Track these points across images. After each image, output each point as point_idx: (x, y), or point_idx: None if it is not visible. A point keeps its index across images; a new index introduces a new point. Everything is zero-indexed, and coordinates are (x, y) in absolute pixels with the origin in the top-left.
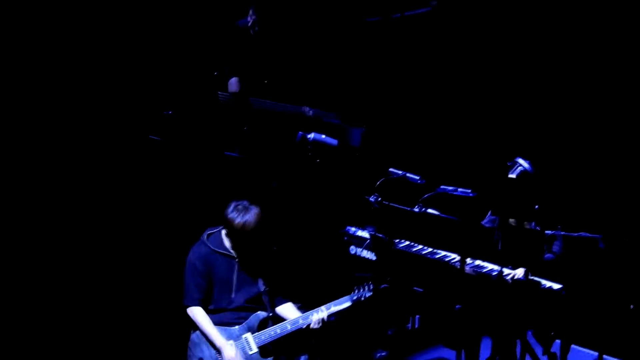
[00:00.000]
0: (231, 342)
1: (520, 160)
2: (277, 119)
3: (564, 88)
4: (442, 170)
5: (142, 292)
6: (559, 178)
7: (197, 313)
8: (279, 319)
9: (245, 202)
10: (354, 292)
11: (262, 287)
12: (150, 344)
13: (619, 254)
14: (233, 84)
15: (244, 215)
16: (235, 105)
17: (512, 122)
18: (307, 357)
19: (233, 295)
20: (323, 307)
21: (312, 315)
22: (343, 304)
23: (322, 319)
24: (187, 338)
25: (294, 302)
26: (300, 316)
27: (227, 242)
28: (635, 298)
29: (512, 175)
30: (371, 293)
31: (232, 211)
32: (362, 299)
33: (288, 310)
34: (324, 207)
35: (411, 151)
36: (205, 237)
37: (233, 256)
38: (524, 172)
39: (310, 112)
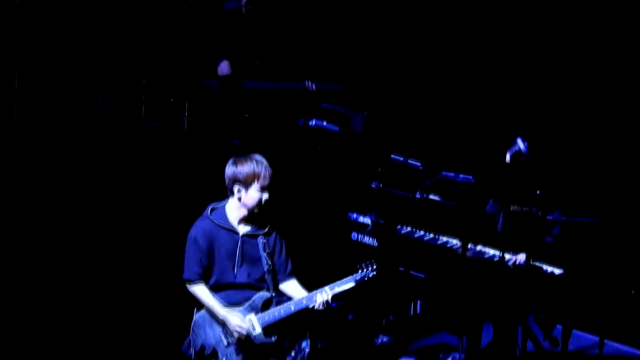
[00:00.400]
0: (235, 312)
1: (519, 141)
2: (276, 102)
3: (565, 72)
4: (444, 157)
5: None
6: (560, 162)
7: (197, 288)
8: (283, 297)
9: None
10: (357, 273)
11: (265, 266)
12: (153, 331)
13: (620, 239)
14: (224, 67)
15: (250, 161)
16: (226, 89)
17: (513, 106)
18: (308, 342)
19: (236, 271)
20: (327, 288)
21: (316, 296)
22: (347, 284)
23: (327, 301)
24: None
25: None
26: (304, 297)
27: (230, 217)
28: (636, 283)
29: (507, 157)
30: (375, 273)
31: (235, 162)
32: (366, 279)
33: (293, 288)
34: (326, 194)
35: (413, 137)
36: (209, 211)
37: (236, 231)
38: (517, 153)
39: (313, 86)
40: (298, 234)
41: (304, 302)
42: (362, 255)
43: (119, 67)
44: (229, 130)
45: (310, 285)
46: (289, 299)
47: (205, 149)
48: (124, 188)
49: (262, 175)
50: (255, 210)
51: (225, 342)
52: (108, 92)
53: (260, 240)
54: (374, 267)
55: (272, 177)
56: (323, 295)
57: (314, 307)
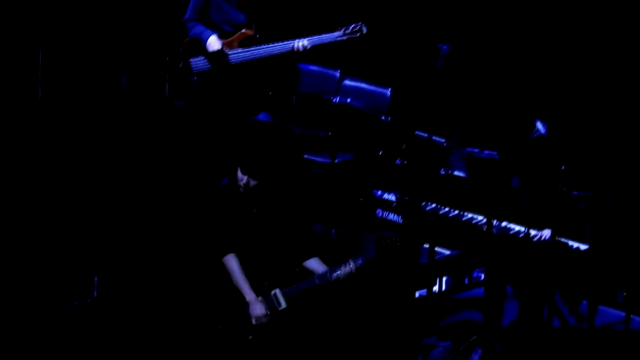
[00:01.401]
0: (260, 297)
1: (538, 124)
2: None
3: (587, 46)
4: (468, 133)
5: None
6: (584, 138)
7: (229, 260)
8: (306, 272)
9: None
10: (380, 245)
11: (286, 240)
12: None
13: None
14: (213, 42)
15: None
16: (217, 65)
17: (536, 80)
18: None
19: (256, 244)
20: (351, 261)
21: (341, 268)
22: (370, 255)
23: (351, 271)
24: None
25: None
26: (328, 269)
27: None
28: None
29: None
30: (398, 244)
31: None
32: (389, 250)
33: (315, 264)
34: (350, 171)
35: (436, 114)
36: (221, 186)
37: (251, 205)
38: (539, 137)
39: (301, 43)
40: (322, 211)
41: (328, 274)
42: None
43: (142, 45)
44: (254, 107)
45: (334, 263)
46: (311, 274)
47: (229, 127)
48: (147, 166)
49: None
50: (242, 191)
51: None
52: (132, 70)
53: (280, 215)
54: (397, 239)
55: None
56: (347, 267)
57: (338, 279)
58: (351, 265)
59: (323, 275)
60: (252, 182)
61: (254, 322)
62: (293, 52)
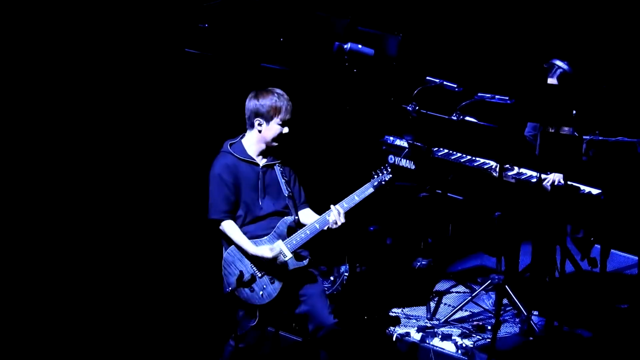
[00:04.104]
0: (263, 245)
1: (558, 62)
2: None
3: None
4: (480, 78)
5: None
6: (596, 81)
7: (227, 226)
8: (301, 225)
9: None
10: (373, 179)
11: (286, 191)
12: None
13: None
14: None
15: (271, 95)
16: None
17: (547, 24)
18: (347, 266)
19: (261, 202)
20: (343, 202)
21: (335, 208)
22: (366, 191)
23: (340, 213)
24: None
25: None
26: (326, 213)
27: (249, 150)
28: None
29: (553, 80)
30: (390, 176)
31: (256, 95)
32: (383, 182)
33: (307, 216)
34: (362, 117)
35: (448, 59)
36: (228, 146)
37: (256, 163)
38: (563, 74)
39: None
40: (334, 158)
41: (327, 217)
42: (399, 177)
43: None
44: (264, 54)
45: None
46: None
47: (240, 74)
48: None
49: (284, 108)
50: (274, 144)
51: (259, 274)
52: (145, 17)
53: (278, 168)
54: (389, 169)
55: (293, 112)
56: (335, 212)
57: (335, 223)
58: (339, 208)
59: (323, 220)
60: (286, 131)
61: (279, 259)
62: None
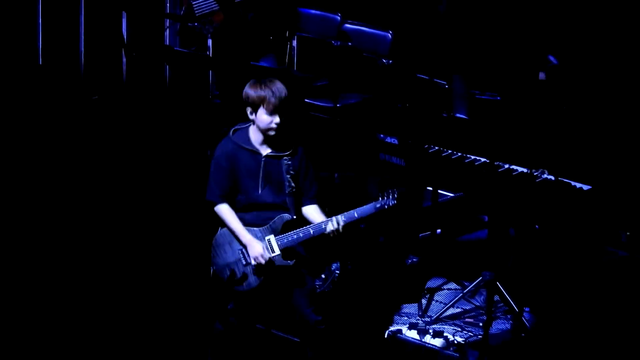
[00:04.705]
0: (255, 237)
1: (550, 58)
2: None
3: None
4: (470, 75)
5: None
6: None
7: (221, 209)
8: (304, 221)
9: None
10: (378, 200)
11: (287, 188)
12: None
13: None
14: None
15: (258, 84)
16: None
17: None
18: (338, 264)
19: (260, 192)
20: (342, 215)
21: (330, 222)
22: (367, 212)
23: (337, 230)
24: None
25: (319, 206)
26: (323, 221)
27: (252, 138)
28: None
29: (542, 75)
30: (395, 202)
31: (249, 85)
32: (386, 207)
33: (313, 212)
34: (353, 115)
35: (438, 56)
36: (231, 132)
37: (258, 152)
38: (552, 67)
39: None
40: (325, 156)
41: (322, 225)
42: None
43: None
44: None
45: (337, 206)
46: (309, 223)
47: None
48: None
49: (268, 98)
50: (269, 133)
51: (244, 261)
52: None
53: (284, 161)
54: (395, 195)
55: (284, 101)
56: (334, 224)
57: (333, 231)
58: (339, 221)
59: (318, 226)
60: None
61: (252, 262)
62: None
